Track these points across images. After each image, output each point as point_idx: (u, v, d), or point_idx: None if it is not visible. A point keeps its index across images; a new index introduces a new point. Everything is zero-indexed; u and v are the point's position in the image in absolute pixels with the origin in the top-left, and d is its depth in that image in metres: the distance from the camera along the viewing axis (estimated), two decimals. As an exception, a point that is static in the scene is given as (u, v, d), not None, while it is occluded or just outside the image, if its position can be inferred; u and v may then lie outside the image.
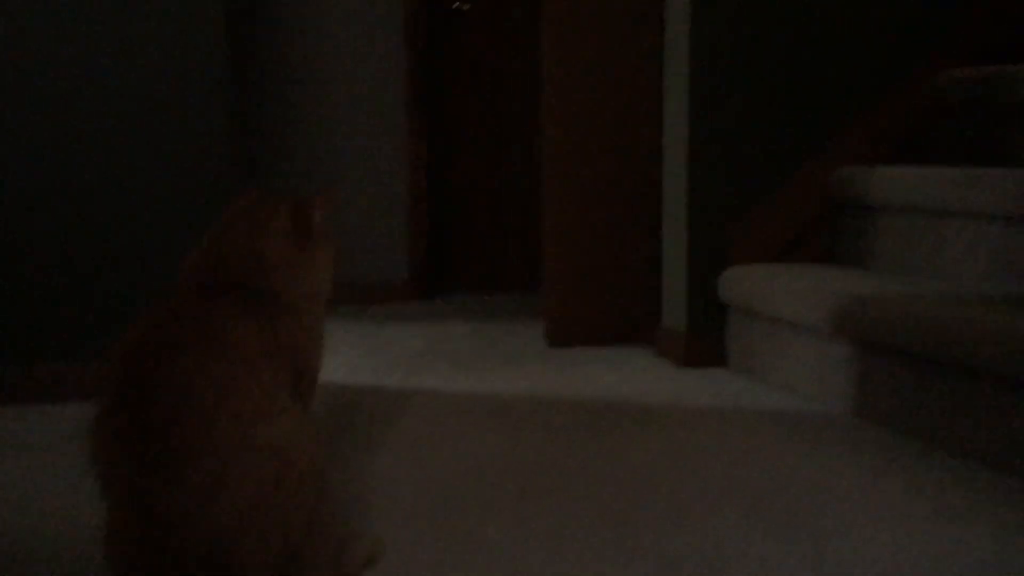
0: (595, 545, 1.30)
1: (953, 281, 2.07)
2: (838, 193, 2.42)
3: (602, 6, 2.72)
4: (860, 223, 2.38)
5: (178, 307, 1.05)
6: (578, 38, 2.71)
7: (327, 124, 3.69)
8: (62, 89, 2.09)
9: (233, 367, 0.99)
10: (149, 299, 2.17)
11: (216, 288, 1.11)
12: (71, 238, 2.12)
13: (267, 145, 3.64)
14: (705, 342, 2.48)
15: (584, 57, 2.72)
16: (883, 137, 2.50)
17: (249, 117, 3.61)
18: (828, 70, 2.47)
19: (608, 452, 1.73)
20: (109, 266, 2.15)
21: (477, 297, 3.91)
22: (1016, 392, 1.59)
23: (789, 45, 2.44)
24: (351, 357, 2.64)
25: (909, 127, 2.52)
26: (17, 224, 2.09)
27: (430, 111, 3.93)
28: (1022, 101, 2.25)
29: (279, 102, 3.64)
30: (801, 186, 2.46)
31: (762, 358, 2.30)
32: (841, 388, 2.02)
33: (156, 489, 0.93)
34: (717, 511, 1.43)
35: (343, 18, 3.66)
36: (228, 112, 2.19)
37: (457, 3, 3.89)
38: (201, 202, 2.18)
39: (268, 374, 1.03)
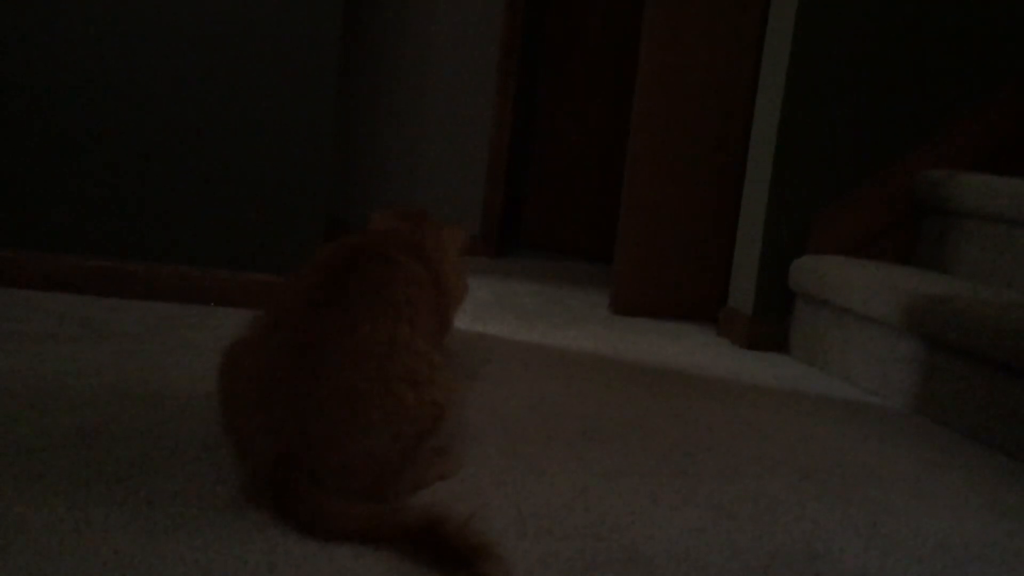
0: (650, 487, 1.34)
1: (1031, 293, 2.06)
2: (922, 195, 2.41)
3: (709, -17, 2.73)
4: (942, 227, 2.37)
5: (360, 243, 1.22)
6: (680, 20, 2.73)
7: (419, 75, 3.75)
8: (203, 44, 2.17)
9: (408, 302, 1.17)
10: (256, 220, 2.25)
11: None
12: (208, 166, 2.21)
13: (358, 86, 3.71)
14: (769, 326, 2.49)
15: (684, 39, 2.73)
16: (973, 144, 2.48)
17: (347, 60, 3.68)
18: (925, 74, 2.45)
19: (666, 410, 1.77)
20: (228, 188, 2.23)
21: (546, 261, 3.95)
22: (1085, 403, 1.59)
23: (888, 49, 2.43)
24: (419, 298, 2.70)
25: (1002, 136, 2.50)
26: (163, 154, 2.19)
27: (521, 74, 3.96)
28: None
29: (375, 50, 3.70)
30: (885, 184, 2.45)
31: (826, 348, 2.31)
32: (905, 384, 2.02)
33: (316, 410, 1.06)
34: (772, 474, 1.46)
35: (447, -29, 3.71)
36: (335, 60, 2.25)
37: (560, -30, 3.91)
38: (308, 140, 2.25)
39: (431, 318, 1.22)
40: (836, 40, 2.40)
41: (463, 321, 2.42)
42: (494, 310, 2.64)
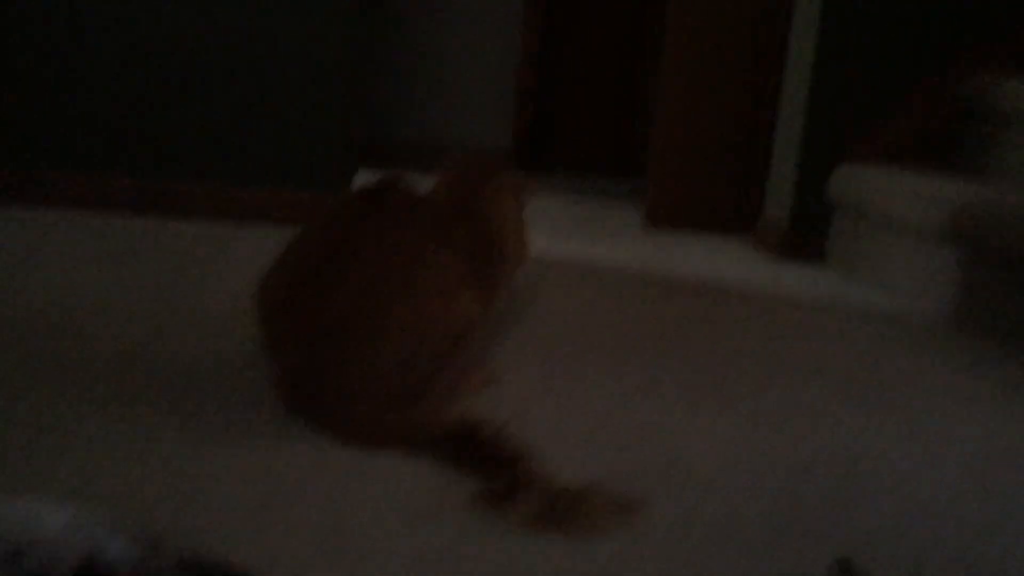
0: (686, 396, 1.35)
1: (1077, 199, 2.01)
2: (966, 102, 2.35)
3: None
4: (986, 134, 2.31)
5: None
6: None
7: (446, -13, 3.68)
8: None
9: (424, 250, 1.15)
10: (282, 137, 2.25)
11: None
12: (242, 84, 2.19)
13: (387, 2, 3.65)
14: (806, 238, 2.46)
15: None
16: (1021, 50, 2.40)
17: (370, -28, 3.62)
18: (976, -29, 2.36)
19: (701, 321, 1.76)
20: (263, 106, 2.22)
21: (579, 176, 3.92)
22: None
23: (939, -60, 2.34)
24: (452, 215, 2.70)
25: (1053, 40, 2.41)
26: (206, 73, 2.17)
27: (549, -15, 3.87)
28: None
29: (401, -40, 3.63)
30: (928, 91, 2.39)
31: (864, 258, 2.29)
32: (944, 294, 2.00)
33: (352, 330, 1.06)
34: (809, 383, 1.46)
35: None
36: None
37: None
38: (339, 55, 2.23)
39: (450, 259, 1.18)
40: (879, -61, 2.32)
41: (497, 237, 2.42)
42: (528, 225, 2.63)
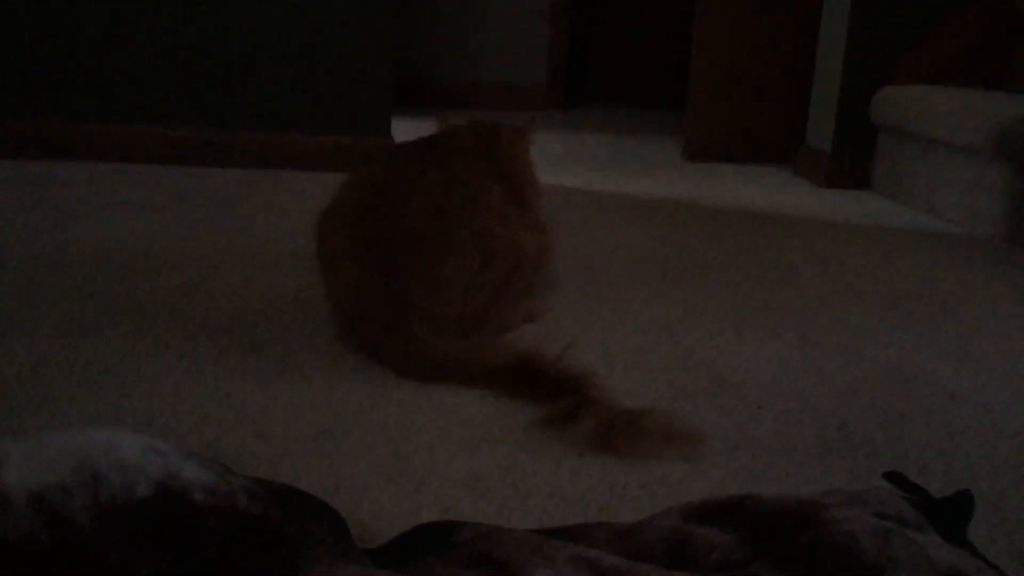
0: (735, 322, 1.35)
1: None
2: (1016, 17, 2.28)
3: None
4: (1035, 48, 2.25)
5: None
6: None
7: (475, -77, 3.63)
8: None
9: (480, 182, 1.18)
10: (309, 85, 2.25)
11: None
12: (279, 34, 2.20)
13: (414, -58, 3.61)
14: (849, 163, 2.43)
15: None
16: (1075, -43, 2.32)
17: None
18: None
19: (747, 249, 1.76)
20: (299, 54, 2.22)
21: (615, 110, 3.89)
22: None
23: None
24: (491, 154, 2.70)
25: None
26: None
27: (580, -85, 3.80)
28: None
29: None
30: (978, 6, 2.32)
31: (910, 181, 2.25)
32: (994, 212, 1.97)
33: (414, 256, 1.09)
34: (857, 304, 1.46)
35: None
36: None
37: None
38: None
39: (499, 192, 1.20)
40: None
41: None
42: (566, 162, 2.62)
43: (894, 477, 0.76)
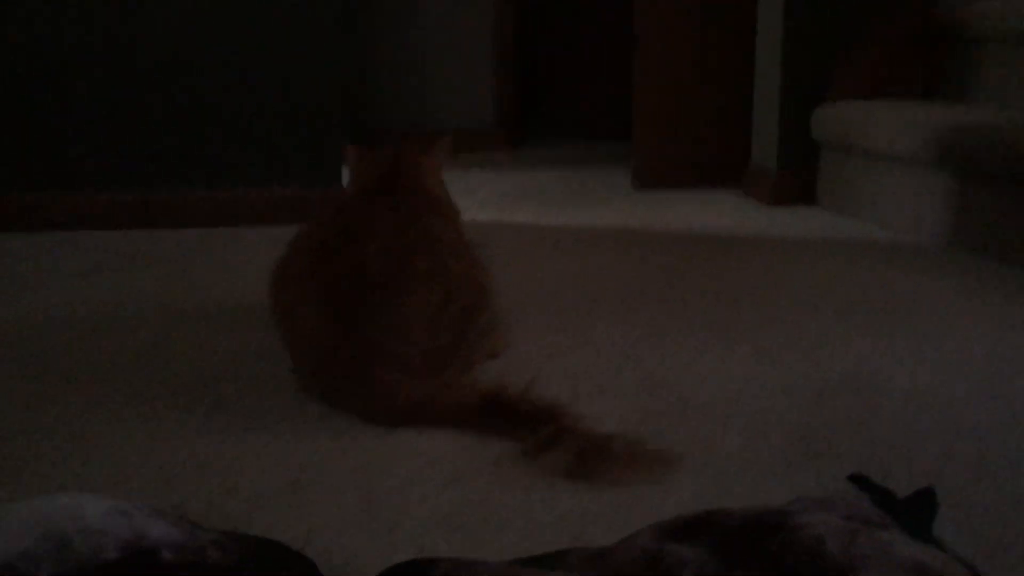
0: (694, 340, 1.37)
1: (1059, 111, 2.02)
2: (940, 25, 2.35)
3: None
4: (962, 56, 2.32)
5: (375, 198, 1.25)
6: None
7: (412, -29, 3.67)
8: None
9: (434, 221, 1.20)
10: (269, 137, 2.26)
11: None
12: (225, 90, 2.20)
13: (353, -7, 3.65)
14: (795, 180, 2.48)
15: None
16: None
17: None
18: None
19: (700, 271, 1.78)
20: (246, 111, 2.23)
21: (565, 145, 3.93)
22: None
23: None
24: (443, 196, 2.71)
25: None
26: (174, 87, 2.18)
27: (515, -42, 3.87)
28: None
29: (364, -51, 3.62)
30: (900, 19, 2.39)
31: (855, 194, 2.30)
32: (937, 219, 2.02)
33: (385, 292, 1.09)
34: (812, 315, 1.48)
35: None
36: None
37: None
38: (320, 52, 2.24)
39: (451, 229, 1.23)
40: None
41: (488, 213, 2.43)
42: (518, 200, 2.64)
43: (858, 479, 0.77)
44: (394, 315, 1.08)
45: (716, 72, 2.76)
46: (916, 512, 0.71)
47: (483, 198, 2.67)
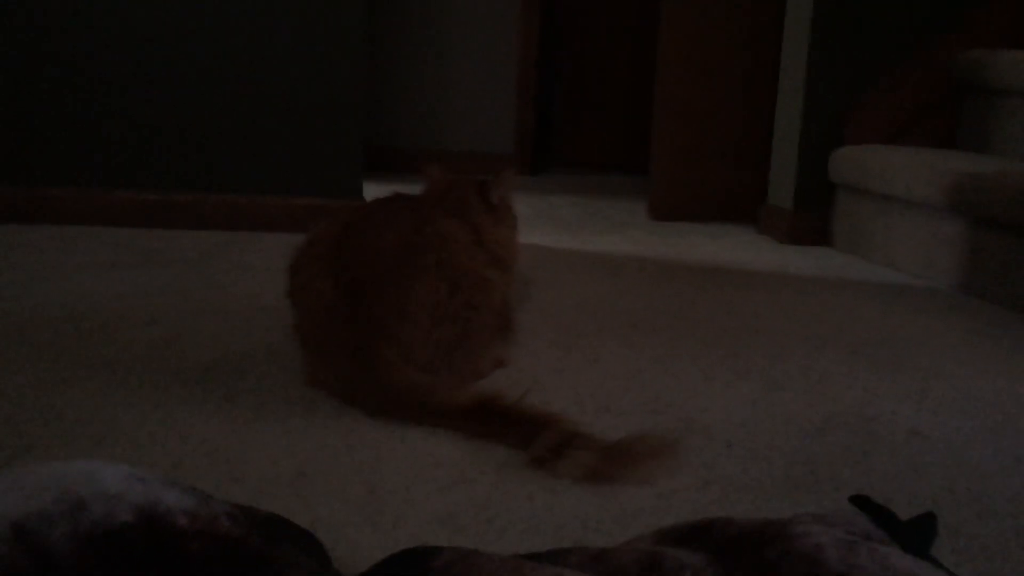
0: (703, 368, 1.38)
1: (1076, 166, 2.04)
2: (961, 76, 2.38)
3: None
4: (982, 108, 2.34)
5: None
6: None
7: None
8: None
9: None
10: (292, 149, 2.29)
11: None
12: (248, 97, 2.24)
13: (387, 12, 3.70)
14: (810, 220, 2.50)
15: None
16: (1012, 22, 2.43)
17: (367, -16, 3.67)
18: (965, -51, 2.40)
19: (711, 302, 1.80)
20: (269, 117, 2.26)
21: (581, 176, 3.96)
22: None
23: (926, -79, 2.38)
24: (460, 216, 2.74)
25: (1044, 13, 2.45)
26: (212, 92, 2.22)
27: (544, -12, 3.92)
28: None
29: (397, -30, 3.68)
30: (923, 67, 2.42)
31: (869, 237, 2.32)
32: (949, 264, 2.03)
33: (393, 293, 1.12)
34: (821, 350, 1.49)
35: None
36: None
37: None
38: (342, 66, 2.27)
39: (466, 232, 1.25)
40: (867, -77, 2.36)
41: (505, 233, 2.45)
42: (535, 222, 2.67)
43: (859, 500, 0.78)
44: (398, 300, 1.11)
45: (736, 109, 2.78)
46: (915, 534, 0.71)
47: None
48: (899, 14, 2.41)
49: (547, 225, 2.63)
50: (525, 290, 1.82)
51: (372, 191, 2.41)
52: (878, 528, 0.70)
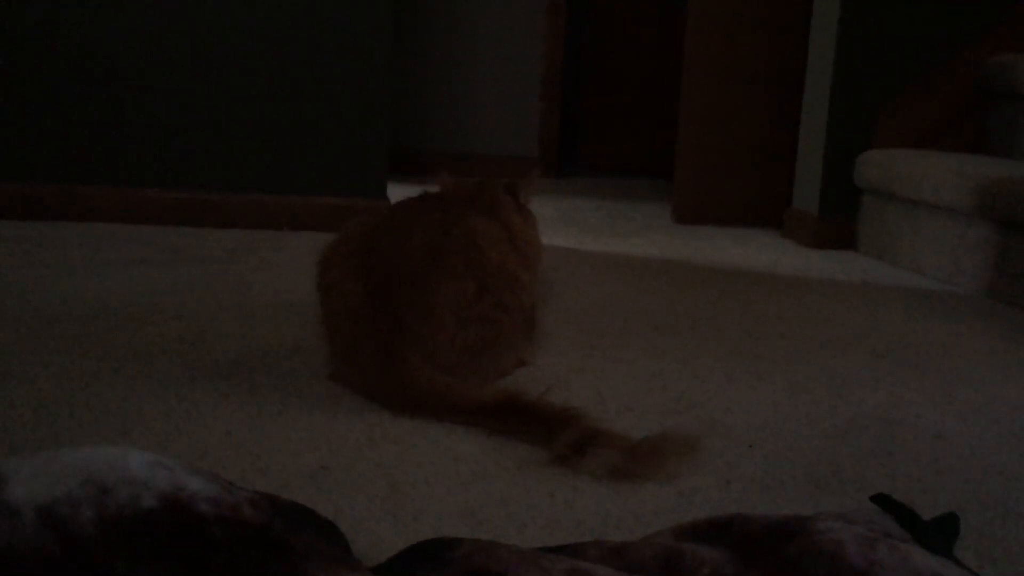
0: (725, 369, 1.38)
1: (1107, 172, 2.02)
2: (990, 81, 2.36)
3: None
4: (1012, 112, 2.32)
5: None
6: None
7: (472, 2, 3.74)
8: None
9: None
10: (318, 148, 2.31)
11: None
12: (276, 99, 2.26)
13: (415, 15, 3.72)
14: (835, 225, 2.48)
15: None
16: (1046, 27, 2.41)
17: (394, -13, 3.69)
18: (995, -47, 2.38)
19: (735, 304, 1.79)
20: (296, 118, 2.28)
21: (605, 179, 3.96)
22: None
23: (956, -76, 2.36)
24: (484, 217, 2.74)
25: (1076, 18, 2.42)
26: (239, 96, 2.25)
27: (570, -9, 3.92)
28: None
29: (424, -27, 3.70)
30: (951, 73, 2.40)
31: (894, 241, 2.30)
32: (975, 270, 2.01)
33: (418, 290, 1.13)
34: (844, 354, 1.48)
35: None
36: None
37: None
38: (369, 68, 2.29)
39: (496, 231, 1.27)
40: (896, -74, 2.34)
41: (529, 235, 2.46)
42: (559, 225, 2.67)
43: (881, 499, 0.78)
44: (425, 300, 1.12)
45: (761, 113, 2.77)
46: (938, 533, 0.71)
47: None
48: (926, 19, 2.39)
49: (571, 227, 2.63)
50: (549, 291, 1.82)
51: (396, 192, 2.42)
52: (899, 526, 0.69)
